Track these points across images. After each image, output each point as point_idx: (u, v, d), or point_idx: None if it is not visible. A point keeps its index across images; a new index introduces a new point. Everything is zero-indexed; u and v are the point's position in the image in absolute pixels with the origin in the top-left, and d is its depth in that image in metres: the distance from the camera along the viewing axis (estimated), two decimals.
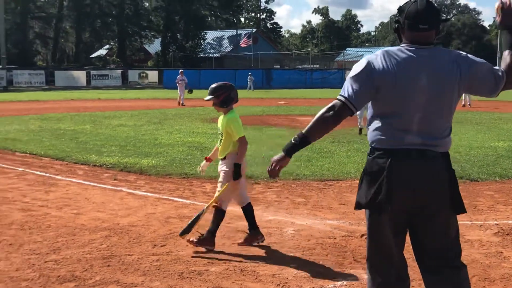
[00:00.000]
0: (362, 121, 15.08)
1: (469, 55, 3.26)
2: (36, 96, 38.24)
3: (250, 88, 48.50)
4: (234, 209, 6.49)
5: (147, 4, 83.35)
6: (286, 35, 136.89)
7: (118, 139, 14.45)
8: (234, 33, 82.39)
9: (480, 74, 3.20)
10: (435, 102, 3.16)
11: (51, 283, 4.80)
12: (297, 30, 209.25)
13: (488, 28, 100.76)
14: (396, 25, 3.30)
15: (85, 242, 5.97)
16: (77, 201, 7.94)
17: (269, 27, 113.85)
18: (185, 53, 76.29)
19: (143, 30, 78.82)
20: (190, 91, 29.03)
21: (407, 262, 3.43)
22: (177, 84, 30.74)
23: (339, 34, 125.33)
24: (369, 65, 3.19)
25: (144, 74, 61.37)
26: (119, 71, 60.96)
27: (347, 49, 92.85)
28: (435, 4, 3.42)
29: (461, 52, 3.29)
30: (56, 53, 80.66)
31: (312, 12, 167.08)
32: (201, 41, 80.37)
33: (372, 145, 3.26)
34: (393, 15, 3.47)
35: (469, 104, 28.04)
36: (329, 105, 3.22)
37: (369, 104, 3.30)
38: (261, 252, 5.71)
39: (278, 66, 77.03)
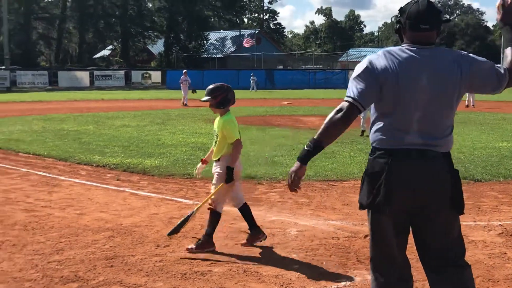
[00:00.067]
0: (365, 122, 15.07)
1: (470, 54, 3.27)
2: (40, 96, 38.30)
3: (253, 89, 48.52)
4: (236, 210, 6.48)
5: (150, 5, 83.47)
6: (289, 36, 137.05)
7: (121, 140, 14.47)
8: (237, 33, 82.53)
9: (482, 73, 3.21)
10: (436, 102, 3.16)
11: (54, 284, 4.80)
12: (300, 30, 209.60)
13: (492, 28, 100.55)
14: (398, 26, 3.31)
15: (88, 242, 5.97)
16: (80, 201, 7.94)
17: (272, 27, 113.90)
18: (188, 54, 76.39)
19: (146, 31, 78.99)
20: (194, 91, 29.13)
21: (410, 263, 3.43)
22: (181, 85, 30.80)
23: (342, 34, 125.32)
24: (371, 64, 3.19)
25: (147, 75, 61.48)
26: (122, 72, 61.09)
27: (350, 49, 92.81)
28: (437, 5, 3.42)
29: (462, 52, 3.30)
30: (60, 53, 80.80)
31: (315, 13, 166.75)
32: (204, 41, 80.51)
33: (373, 144, 3.27)
34: (395, 16, 3.51)
35: (472, 105, 27.99)
36: (337, 108, 3.20)
37: (372, 105, 3.30)
38: (264, 253, 5.70)
39: (281, 67, 77.02)
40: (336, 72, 62.11)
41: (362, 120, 15.31)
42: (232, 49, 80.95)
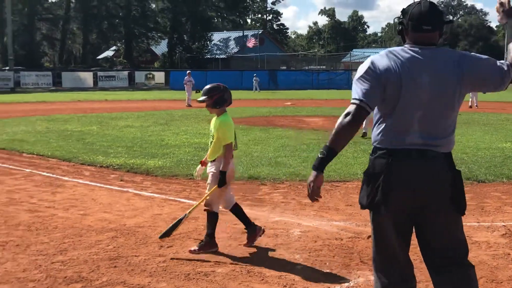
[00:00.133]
0: (367, 124, 15.04)
1: (472, 53, 3.29)
2: (43, 97, 38.35)
3: (256, 89, 48.54)
4: None
5: (153, 6, 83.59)
6: (293, 36, 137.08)
7: (125, 140, 14.48)
8: (241, 34, 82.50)
9: (483, 71, 3.21)
10: (437, 102, 3.17)
11: (58, 284, 4.81)
12: (304, 31, 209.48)
13: (495, 29, 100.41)
14: (400, 27, 3.32)
15: (91, 243, 5.98)
16: (83, 202, 7.96)
17: (276, 28, 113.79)
18: (191, 54, 76.44)
19: (149, 32, 79.04)
20: (198, 91, 29.19)
21: (413, 263, 3.42)
22: (185, 86, 30.81)
23: (345, 35, 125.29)
24: (373, 64, 3.20)
25: (151, 75, 61.55)
26: (126, 73, 61.19)
27: (354, 50, 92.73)
28: (439, 6, 3.43)
29: (464, 52, 3.30)
30: (63, 54, 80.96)
31: (319, 13, 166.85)
32: (208, 42, 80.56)
33: (375, 144, 3.29)
34: (397, 17, 3.51)
35: (476, 105, 27.94)
36: (345, 111, 3.19)
37: None
38: (268, 253, 5.70)
39: (284, 67, 77.05)
40: (339, 73, 62.05)
41: (364, 120, 15.25)
42: (236, 50, 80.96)
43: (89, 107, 28.52)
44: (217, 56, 78.06)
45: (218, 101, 5.74)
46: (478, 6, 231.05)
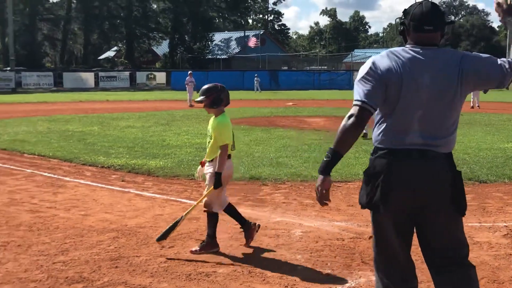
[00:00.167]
0: (368, 125, 15.03)
1: (473, 53, 3.29)
2: (44, 97, 38.39)
3: (257, 90, 48.54)
4: (240, 211, 6.48)
5: (155, 6, 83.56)
6: (294, 37, 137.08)
7: (126, 141, 14.49)
8: (242, 34, 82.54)
9: (485, 69, 3.21)
10: (437, 102, 3.17)
11: (59, 284, 4.81)
12: (305, 31, 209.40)
13: (497, 29, 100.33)
14: (402, 27, 3.32)
15: (93, 243, 5.98)
16: (85, 202, 7.96)
17: (277, 28, 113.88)
18: (193, 55, 76.44)
19: (151, 32, 79.05)
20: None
21: (414, 263, 3.42)
22: (186, 86, 30.83)
23: (347, 35, 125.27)
24: (374, 65, 3.21)
25: (152, 76, 61.58)
26: (127, 73, 61.24)
27: (355, 50, 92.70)
28: (440, 7, 3.43)
29: (465, 52, 3.30)
30: (64, 54, 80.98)
31: (320, 14, 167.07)
32: (209, 42, 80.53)
33: (375, 144, 3.30)
34: (398, 17, 3.51)
35: (477, 106, 27.94)
36: (348, 114, 3.19)
37: None
38: (269, 254, 5.70)
39: (285, 68, 77.02)
40: (341, 73, 62.05)
41: None
42: (237, 50, 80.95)
43: (90, 108, 28.53)
44: (218, 57, 78.10)
45: (215, 100, 5.74)
46: (480, 6, 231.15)
